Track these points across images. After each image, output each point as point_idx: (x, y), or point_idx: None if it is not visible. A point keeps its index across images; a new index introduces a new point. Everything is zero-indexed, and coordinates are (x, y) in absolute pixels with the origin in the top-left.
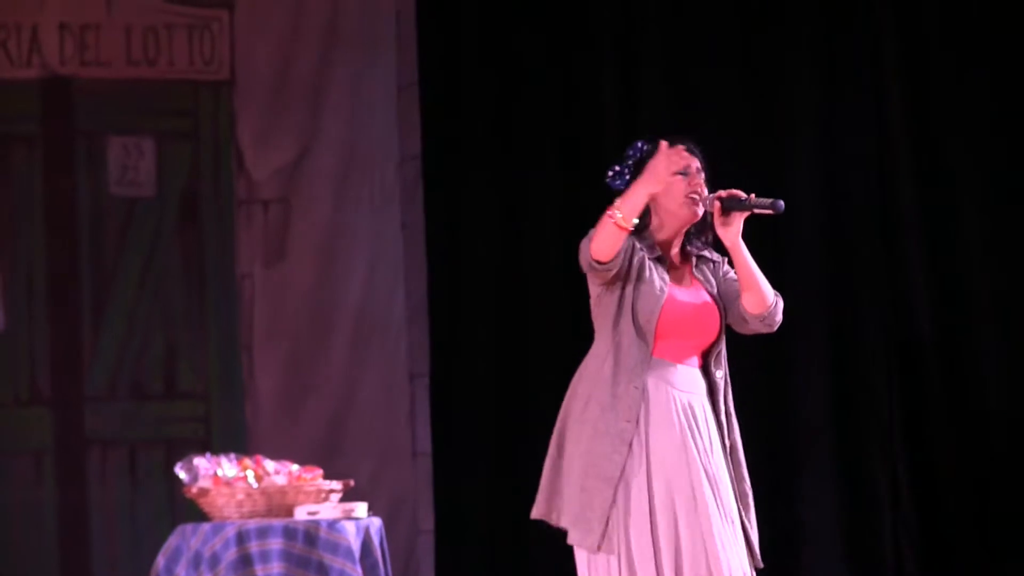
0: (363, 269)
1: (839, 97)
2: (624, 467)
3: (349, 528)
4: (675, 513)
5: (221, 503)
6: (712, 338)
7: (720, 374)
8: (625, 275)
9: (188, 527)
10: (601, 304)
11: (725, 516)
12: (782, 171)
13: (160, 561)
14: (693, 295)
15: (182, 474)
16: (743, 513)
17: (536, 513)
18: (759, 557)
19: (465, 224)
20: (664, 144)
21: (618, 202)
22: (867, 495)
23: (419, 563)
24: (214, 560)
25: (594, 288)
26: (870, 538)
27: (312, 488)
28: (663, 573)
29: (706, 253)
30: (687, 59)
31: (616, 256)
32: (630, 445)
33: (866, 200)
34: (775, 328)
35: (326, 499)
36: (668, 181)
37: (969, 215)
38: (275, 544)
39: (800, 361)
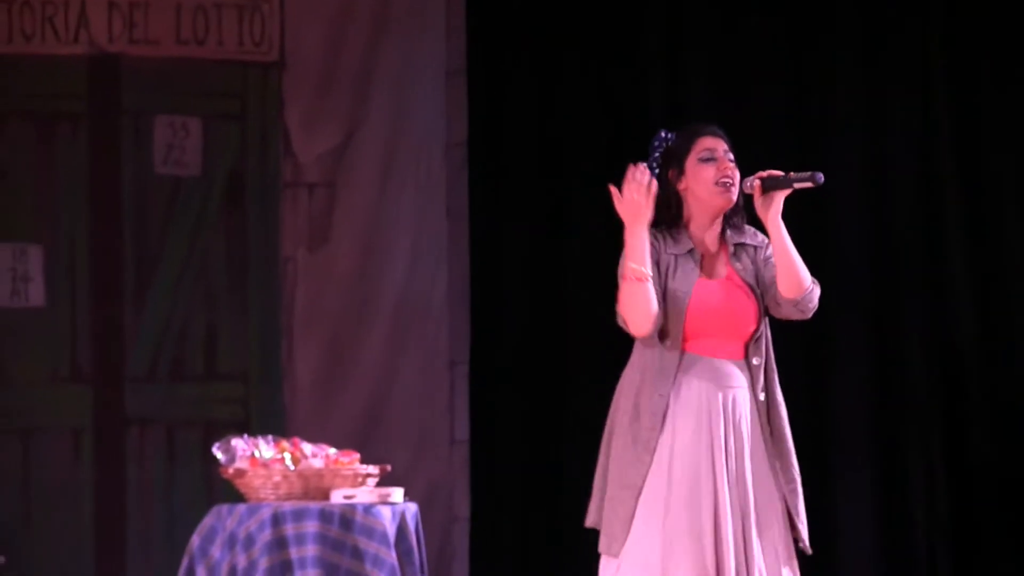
0: (406, 255)
1: (886, 101)
2: (646, 475)
3: (385, 513)
4: (699, 520)
5: (257, 484)
6: (751, 328)
7: (757, 361)
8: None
9: (224, 507)
10: None
11: (748, 521)
12: (828, 172)
13: (195, 540)
14: (726, 288)
15: (219, 455)
16: (788, 500)
17: (588, 521)
18: (807, 542)
19: (509, 212)
20: (628, 175)
21: (623, 259)
22: (903, 489)
23: (454, 550)
24: (249, 541)
25: None
26: (904, 532)
27: (349, 472)
28: None
29: (747, 239)
30: (735, 46)
31: (655, 322)
32: (653, 453)
33: (911, 200)
34: (808, 315)
35: (363, 483)
36: (643, 205)
37: (1012, 214)
38: (310, 527)
39: (841, 354)
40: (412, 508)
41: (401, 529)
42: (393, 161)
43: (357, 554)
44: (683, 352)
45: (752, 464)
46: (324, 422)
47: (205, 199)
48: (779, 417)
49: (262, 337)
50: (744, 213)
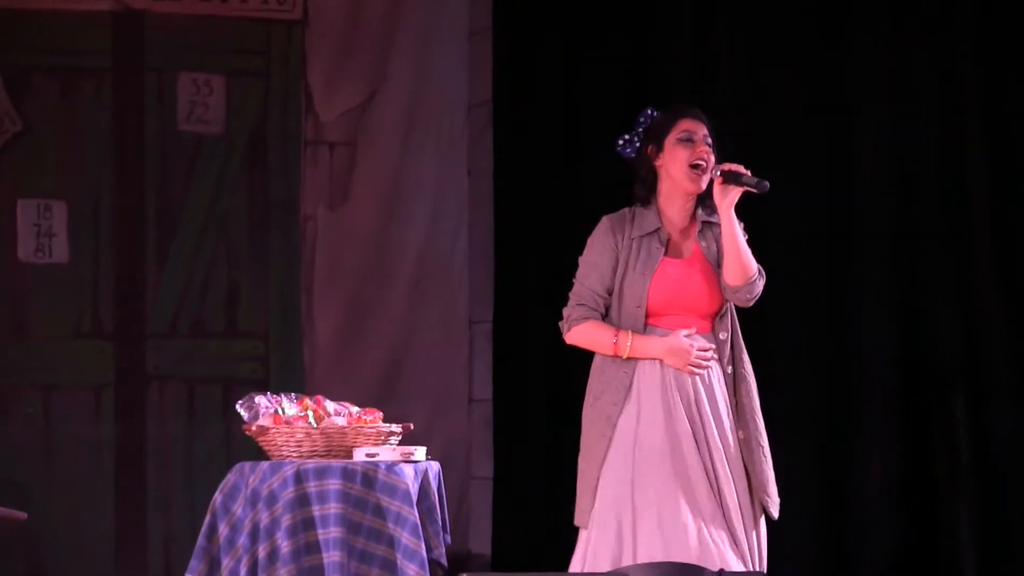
0: (426, 214)
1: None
2: (607, 448)
3: (407, 471)
4: (656, 489)
5: (280, 442)
6: (715, 305)
7: (724, 336)
8: (614, 269)
9: (247, 465)
10: None
11: (712, 489)
12: (855, 140)
13: (218, 498)
14: (689, 266)
15: (242, 412)
16: (749, 469)
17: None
18: (772, 510)
19: (532, 171)
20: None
21: (634, 341)
22: (927, 476)
23: (471, 509)
24: (271, 498)
25: None
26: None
27: (372, 430)
28: (628, 546)
29: (715, 219)
30: (765, 12)
31: None
32: (615, 427)
33: (936, 170)
34: (750, 304)
35: (385, 442)
36: (687, 354)
37: None
38: (333, 485)
39: (865, 343)
40: (435, 467)
41: (423, 487)
42: (414, 120)
43: (379, 512)
44: (646, 327)
45: (718, 434)
46: (343, 380)
47: (227, 156)
48: (747, 390)
49: (282, 295)
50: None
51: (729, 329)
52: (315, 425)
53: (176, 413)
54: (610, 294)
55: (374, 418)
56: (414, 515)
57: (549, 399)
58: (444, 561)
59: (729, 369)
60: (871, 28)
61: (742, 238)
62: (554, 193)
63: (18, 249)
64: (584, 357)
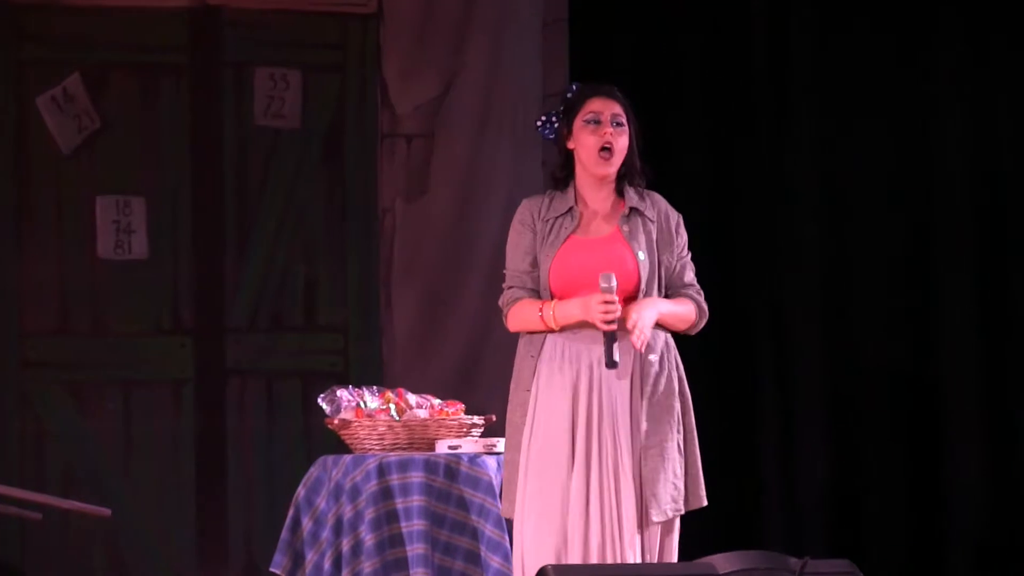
0: (502, 206)
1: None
2: (521, 437)
3: (490, 463)
4: (552, 484)
5: (362, 435)
6: (628, 288)
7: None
8: (534, 245)
9: (329, 459)
10: None
11: (606, 475)
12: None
13: (301, 492)
14: (600, 245)
15: (324, 405)
16: (644, 463)
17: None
18: (679, 503)
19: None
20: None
21: (555, 307)
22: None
23: None
24: (354, 492)
25: None
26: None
27: (454, 422)
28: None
29: (646, 208)
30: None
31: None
32: (526, 414)
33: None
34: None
35: (467, 434)
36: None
37: None
38: (416, 477)
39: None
40: None
41: None
42: (489, 112)
43: (462, 504)
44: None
45: (618, 424)
46: (421, 373)
47: (304, 151)
48: (666, 380)
49: (360, 288)
50: (644, 177)
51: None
52: (397, 418)
53: (256, 407)
54: (535, 268)
55: (456, 410)
56: (497, 507)
57: None
58: None
59: (653, 357)
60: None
61: (672, 311)
62: None
63: (98, 246)
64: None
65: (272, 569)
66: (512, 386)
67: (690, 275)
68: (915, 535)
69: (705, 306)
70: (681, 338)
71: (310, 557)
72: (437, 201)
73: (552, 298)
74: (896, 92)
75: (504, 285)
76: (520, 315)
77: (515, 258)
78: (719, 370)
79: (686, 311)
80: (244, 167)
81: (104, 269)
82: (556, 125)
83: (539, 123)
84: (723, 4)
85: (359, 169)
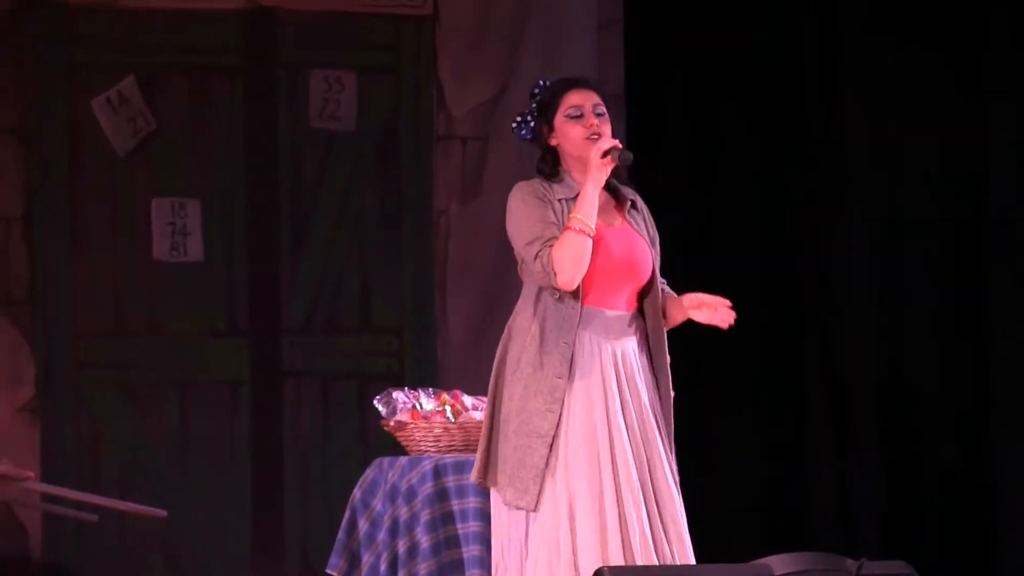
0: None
1: None
2: (557, 425)
3: None
4: (598, 471)
5: (418, 437)
6: (644, 279)
7: (652, 323)
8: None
9: (385, 460)
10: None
11: (645, 468)
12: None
13: (357, 493)
14: (622, 236)
15: (380, 407)
16: (668, 456)
17: (474, 476)
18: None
19: (663, 160)
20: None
21: (576, 210)
22: None
23: None
24: (410, 494)
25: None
26: None
27: None
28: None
29: (638, 200)
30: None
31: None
32: (561, 402)
33: None
34: None
35: None
36: (598, 161)
37: None
38: (471, 479)
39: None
40: None
41: None
42: None
43: None
44: (582, 302)
45: (644, 416)
46: (476, 374)
47: (359, 153)
48: (664, 370)
49: (415, 290)
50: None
51: (659, 311)
52: (453, 420)
53: (311, 409)
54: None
55: None
56: None
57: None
58: None
59: (656, 355)
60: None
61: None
62: (683, 184)
63: (153, 248)
64: (713, 336)
65: (328, 571)
66: (528, 368)
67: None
68: (970, 536)
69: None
70: (737, 339)
71: (366, 559)
72: (492, 203)
73: (579, 289)
74: (947, 100)
75: (532, 253)
76: (562, 252)
77: (533, 224)
78: (769, 370)
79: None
80: (299, 169)
81: (160, 271)
82: (532, 124)
83: (515, 125)
84: (774, 2)
85: (414, 171)
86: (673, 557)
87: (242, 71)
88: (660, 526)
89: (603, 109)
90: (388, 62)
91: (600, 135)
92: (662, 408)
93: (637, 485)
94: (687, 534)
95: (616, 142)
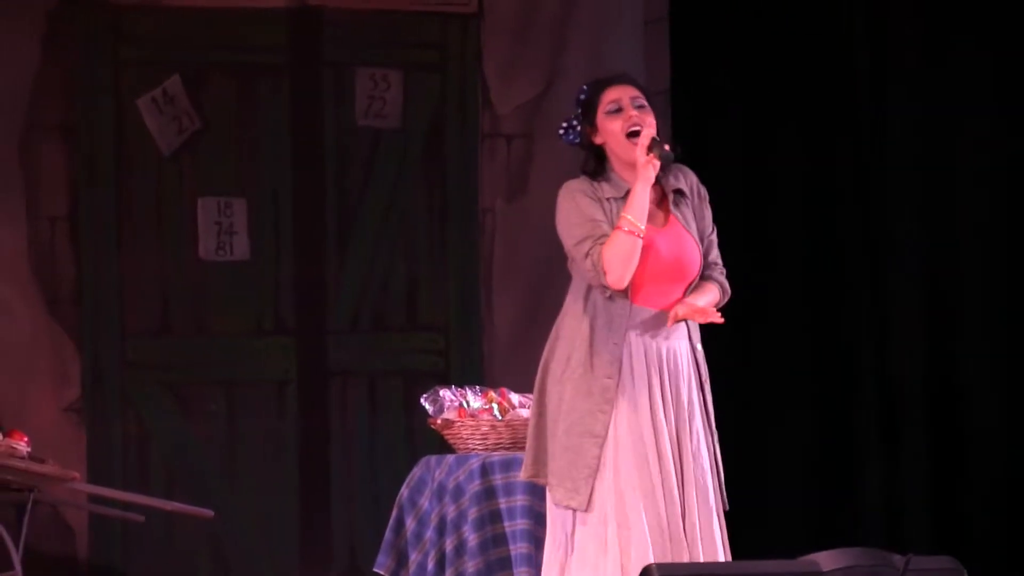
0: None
1: None
2: (608, 425)
3: None
4: (647, 470)
5: (466, 435)
6: (693, 277)
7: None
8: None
9: (432, 459)
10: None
11: (688, 469)
12: None
13: (404, 492)
14: (671, 236)
15: (427, 405)
16: (710, 454)
17: (524, 475)
18: (724, 498)
19: (710, 161)
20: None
21: (627, 212)
22: None
23: None
24: (457, 492)
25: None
26: None
27: None
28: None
29: (681, 184)
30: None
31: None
32: (613, 402)
33: None
34: None
35: None
36: (643, 160)
37: None
38: (519, 477)
39: None
40: None
41: None
42: None
43: None
44: (631, 302)
45: (689, 416)
46: (522, 371)
47: (405, 151)
48: (705, 369)
49: (461, 288)
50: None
51: None
52: (500, 417)
53: (358, 408)
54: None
55: None
56: None
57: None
58: None
59: (700, 346)
60: None
61: (707, 302)
62: (732, 182)
63: (199, 247)
64: (763, 334)
65: (376, 569)
66: (579, 369)
67: (715, 253)
68: (1018, 533)
69: (727, 285)
70: (787, 337)
71: (413, 557)
72: (537, 201)
73: (629, 287)
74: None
75: (583, 251)
76: (612, 252)
77: (584, 222)
78: (818, 368)
79: (712, 298)
80: (345, 168)
81: (206, 270)
82: (579, 128)
83: (562, 131)
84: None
85: (460, 169)
86: (707, 553)
87: (288, 70)
88: (696, 524)
89: (643, 101)
90: (434, 60)
91: (640, 126)
92: (704, 400)
93: (678, 484)
94: (719, 531)
95: (653, 132)
